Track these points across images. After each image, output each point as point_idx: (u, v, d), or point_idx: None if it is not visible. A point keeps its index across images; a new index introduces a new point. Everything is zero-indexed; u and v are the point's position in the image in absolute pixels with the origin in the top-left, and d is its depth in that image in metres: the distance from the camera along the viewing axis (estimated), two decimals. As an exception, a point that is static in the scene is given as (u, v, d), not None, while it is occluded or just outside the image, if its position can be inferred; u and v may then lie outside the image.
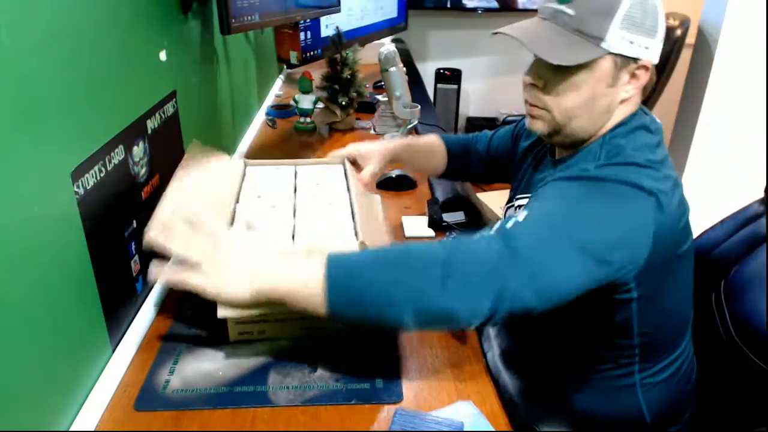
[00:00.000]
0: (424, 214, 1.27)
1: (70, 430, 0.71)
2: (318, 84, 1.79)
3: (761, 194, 1.04)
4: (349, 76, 1.74)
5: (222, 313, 0.77)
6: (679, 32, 2.27)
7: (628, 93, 0.83)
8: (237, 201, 0.98)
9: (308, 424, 0.74)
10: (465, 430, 0.70)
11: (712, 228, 1.07)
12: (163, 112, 1.03)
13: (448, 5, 3.36)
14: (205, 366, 0.82)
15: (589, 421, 0.94)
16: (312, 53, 2.15)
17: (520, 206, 1.00)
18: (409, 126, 1.71)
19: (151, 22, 0.98)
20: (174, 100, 1.08)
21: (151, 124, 0.97)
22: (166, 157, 1.04)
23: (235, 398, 0.77)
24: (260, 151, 1.66)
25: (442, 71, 3.51)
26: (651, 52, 0.82)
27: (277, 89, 2.28)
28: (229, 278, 0.73)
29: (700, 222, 0.98)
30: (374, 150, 1.15)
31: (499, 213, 1.21)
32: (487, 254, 0.71)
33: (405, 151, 1.21)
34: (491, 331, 1.07)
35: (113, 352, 0.83)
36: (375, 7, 2.58)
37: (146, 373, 0.81)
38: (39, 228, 0.64)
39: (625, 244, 0.75)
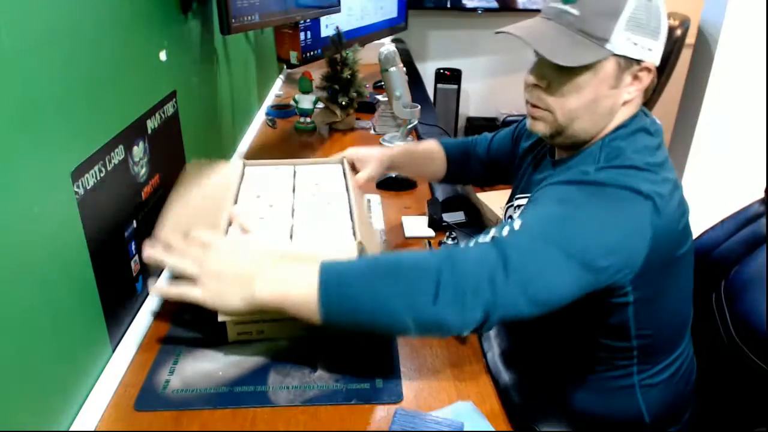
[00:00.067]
0: (424, 214, 1.27)
1: (70, 430, 0.71)
2: (318, 84, 1.79)
3: (761, 194, 1.04)
4: (349, 76, 1.74)
5: (222, 317, 0.81)
6: (679, 32, 2.27)
7: (630, 95, 0.83)
8: (235, 201, 0.98)
9: (308, 424, 0.74)
10: (465, 430, 0.70)
11: (712, 228, 1.07)
12: (163, 112, 1.03)
13: (448, 5, 3.36)
14: (205, 366, 0.82)
15: (588, 421, 0.94)
16: (312, 53, 2.15)
17: (519, 206, 1.00)
18: (409, 126, 1.70)
19: (151, 22, 0.98)
20: (174, 100, 1.08)
21: (151, 124, 0.97)
22: (166, 157, 1.04)
23: (235, 398, 0.77)
24: (260, 151, 1.66)
25: (442, 71, 3.51)
26: (654, 53, 0.81)
27: (277, 89, 2.28)
28: (226, 289, 0.75)
29: (700, 222, 0.98)
30: (373, 155, 1.16)
31: (499, 213, 1.21)
32: (480, 265, 0.71)
33: (404, 157, 1.21)
34: (491, 331, 1.07)
35: (113, 352, 0.83)
36: (375, 7, 2.58)
37: (146, 373, 0.81)
38: (39, 228, 0.64)
39: (622, 249, 0.75)
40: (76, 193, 0.71)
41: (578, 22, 0.79)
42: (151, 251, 0.79)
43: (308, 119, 1.83)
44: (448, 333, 0.74)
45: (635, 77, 0.82)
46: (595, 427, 0.94)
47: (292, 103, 1.89)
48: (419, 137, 1.77)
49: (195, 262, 0.76)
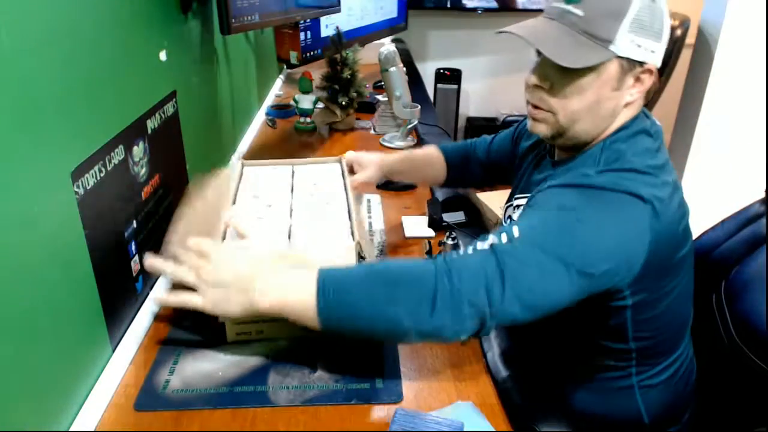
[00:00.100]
0: (424, 214, 1.27)
1: (70, 430, 0.71)
2: (318, 84, 1.79)
3: (762, 194, 1.04)
4: (349, 76, 1.74)
5: (223, 318, 0.82)
6: (679, 32, 2.27)
7: (632, 96, 0.83)
8: (234, 202, 0.98)
9: (308, 424, 0.74)
10: (465, 430, 0.70)
11: (712, 228, 1.07)
12: (163, 112, 1.03)
13: (448, 5, 3.35)
14: (205, 366, 0.82)
15: (588, 421, 0.94)
16: (312, 53, 2.15)
17: (518, 206, 0.99)
18: (409, 126, 1.70)
19: (151, 22, 0.98)
20: (174, 100, 1.08)
21: (151, 124, 0.97)
22: (166, 157, 1.04)
23: (235, 398, 0.77)
24: (260, 151, 1.66)
25: (442, 71, 3.51)
26: (656, 55, 0.81)
27: (277, 89, 2.28)
28: (225, 297, 0.76)
29: (700, 222, 0.98)
30: (372, 160, 1.16)
31: (499, 213, 1.21)
32: (477, 276, 0.72)
33: (403, 164, 1.21)
34: (491, 332, 1.07)
35: (113, 352, 0.83)
36: (375, 7, 2.58)
37: (146, 373, 0.81)
38: (39, 228, 0.64)
39: (620, 255, 0.75)
40: (76, 193, 0.71)
41: (582, 22, 0.78)
42: (152, 260, 0.80)
43: (308, 119, 1.83)
44: (445, 341, 0.75)
45: (637, 79, 0.82)
46: (594, 428, 0.94)
47: (292, 103, 1.89)
48: (419, 137, 1.77)
49: (193, 270, 0.77)
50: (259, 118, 1.93)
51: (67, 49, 0.71)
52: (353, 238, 0.86)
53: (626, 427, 0.93)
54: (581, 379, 0.93)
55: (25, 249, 0.62)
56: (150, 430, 0.73)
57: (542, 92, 0.84)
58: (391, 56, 1.60)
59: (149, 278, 0.96)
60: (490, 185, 1.32)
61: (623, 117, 0.85)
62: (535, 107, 0.86)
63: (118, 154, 0.83)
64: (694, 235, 0.89)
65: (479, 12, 3.34)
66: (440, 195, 1.38)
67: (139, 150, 0.91)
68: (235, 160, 1.53)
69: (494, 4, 3.32)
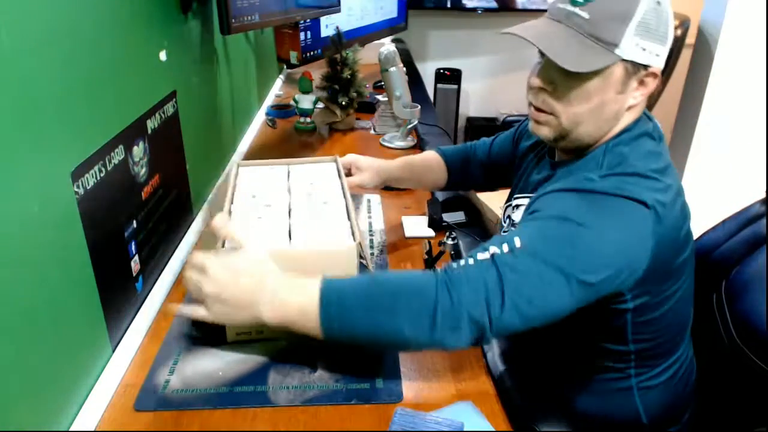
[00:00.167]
0: (424, 214, 1.26)
1: (70, 430, 0.71)
2: (318, 84, 1.79)
3: (762, 194, 1.04)
4: (349, 76, 1.74)
5: None
6: (679, 32, 2.27)
7: (635, 100, 0.82)
8: (232, 201, 0.98)
9: (308, 424, 0.74)
10: (465, 430, 0.70)
11: (713, 228, 1.07)
12: (163, 112, 1.03)
13: (448, 5, 3.36)
14: (205, 366, 0.82)
15: (587, 421, 0.94)
16: (312, 53, 2.15)
17: (518, 206, 0.99)
18: (409, 126, 1.70)
19: (151, 22, 0.98)
20: (174, 100, 1.08)
21: (151, 124, 0.97)
22: (166, 157, 1.04)
23: (235, 398, 0.77)
24: (260, 151, 1.66)
25: (442, 71, 3.51)
26: (660, 59, 0.80)
27: (277, 89, 2.28)
28: (230, 312, 0.77)
29: (700, 222, 0.98)
30: (371, 165, 1.16)
31: (499, 213, 1.21)
32: (477, 291, 0.72)
33: (402, 171, 1.21)
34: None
35: (113, 352, 0.83)
36: (375, 7, 2.57)
37: (146, 373, 0.81)
38: (39, 228, 0.64)
39: (622, 262, 0.75)
40: (76, 193, 0.71)
41: (588, 25, 0.78)
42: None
43: (308, 119, 1.83)
44: (445, 351, 0.78)
45: (641, 82, 0.81)
46: (593, 428, 0.94)
47: (292, 103, 1.89)
48: (419, 137, 1.77)
49: (194, 285, 0.78)
50: (259, 118, 1.93)
51: (68, 49, 0.71)
52: (354, 239, 0.86)
53: (625, 428, 0.93)
54: (580, 380, 0.93)
55: (25, 249, 0.62)
56: (150, 430, 0.73)
57: (545, 95, 0.84)
58: (391, 56, 1.60)
59: (149, 278, 0.96)
60: (492, 188, 1.32)
61: (626, 120, 0.84)
62: (538, 110, 0.86)
63: (118, 154, 0.83)
64: (695, 235, 0.89)
65: (479, 12, 3.34)
66: (440, 195, 1.38)
67: (139, 150, 0.91)
68: (237, 160, 1.53)
69: (494, 4, 3.32)
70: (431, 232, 1.21)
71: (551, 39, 0.79)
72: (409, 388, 0.79)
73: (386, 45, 1.68)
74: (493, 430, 0.72)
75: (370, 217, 1.28)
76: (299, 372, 0.82)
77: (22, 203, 0.61)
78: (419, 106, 1.68)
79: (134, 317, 0.90)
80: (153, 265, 0.98)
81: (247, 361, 0.83)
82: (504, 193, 1.15)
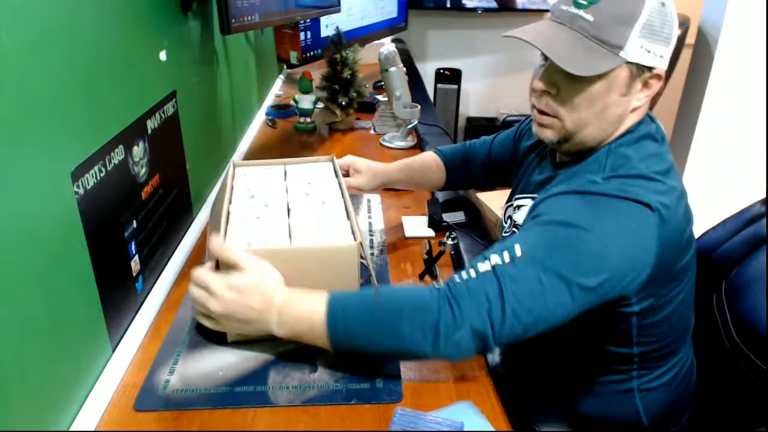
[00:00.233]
0: (424, 214, 1.26)
1: (70, 430, 0.71)
2: (318, 84, 1.79)
3: (762, 194, 1.04)
4: (349, 76, 1.74)
5: None
6: (679, 32, 2.27)
7: (639, 101, 0.82)
8: (230, 201, 0.98)
9: (308, 424, 0.74)
10: (465, 430, 0.70)
11: (713, 228, 1.07)
12: (163, 112, 1.03)
13: (448, 5, 3.36)
14: (205, 366, 0.82)
15: (587, 422, 0.94)
16: (312, 53, 2.15)
17: (519, 206, 0.99)
18: (409, 126, 1.70)
19: (151, 22, 0.98)
20: (174, 100, 1.08)
21: (151, 124, 0.97)
22: (166, 157, 1.04)
23: (235, 398, 0.77)
24: (260, 151, 1.66)
25: (442, 71, 3.51)
26: (664, 60, 0.80)
27: (277, 89, 2.28)
28: (242, 328, 0.82)
29: (700, 222, 0.98)
30: (369, 167, 1.16)
31: (499, 213, 1.21)
32: (479, 306, 0.73)
33: (400, 174, 1.22)
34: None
35: (113, 352, 0.83)
36: (375, 7, 2.58)
37: (146, 373, 0.81)
38: (39, 228, 0.64)
39: (627, 267, 0.75)
40: (76, 193, 0.71)
41: (592, 28, 0.77)
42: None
43: (308, 119, 1.83)
44: (449, 361, 0.81)
45: (645, 84, 0.81)
46: (593, 429, 0.94)
47: (292, 103, 1.89)
48: (419, 137, 1.77)
49: (200, 303, 0.81)
50: (259, 118, 1.93)
51: (67, 49, 0.70)
52: (355, 239, 0.86)
53: (625, 429, 0.92)
54: (582, 382, 0.93)
55: (25, 249, 0.62)
56: (150, 430, 0.73)
57: (549, 98, 0.83)
58: (391, 56, 1.60)
59: (149, 278, 0.96)
60: (491, 187, 1.32)
61: (629, 121, 0.84)
62: (541, 112, 0.85)
63: (118, 154, 0.83)
64: (695, 235, 0.89)
65: (479, 12, 3.34)
66: (440, 195, 1.38)
67: (139, 150, 0.91)
68: (235, 160, 1.53)
69: (494, 4, 3.32)
70: (431, 232, 1.21)
71: (556, 43, 0.78)
72: (409, 388, 0.79)
73: (386, 45, 1.68)
74: (493, 430, 0.72)
75: (370, 217, 1.28)
76: (299, 372, 0.81)
77: (22, 203, 0.61)
78: (419, 106, 1.68)
79: (134, 317, 0.90)
80: (153, 265, 0.98)
81: (247, 361, 0.83)
82: (504, 193, 1.15)
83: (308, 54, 2.13)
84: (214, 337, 0.87)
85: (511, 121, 3.38)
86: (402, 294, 0.79)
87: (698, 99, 2.29)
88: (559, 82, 0.81)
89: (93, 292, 0.77)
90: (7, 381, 0.59)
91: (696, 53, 2.34)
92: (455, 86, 3.52)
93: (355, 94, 1.78)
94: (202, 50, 1.28)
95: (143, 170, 0.93)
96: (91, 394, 0.76)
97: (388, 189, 1.40)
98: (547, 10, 3.28)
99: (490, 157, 1.20)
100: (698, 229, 0.97)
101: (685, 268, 0.84)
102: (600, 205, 0.76)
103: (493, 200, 1.35)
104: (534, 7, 3.29)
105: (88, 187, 0.74)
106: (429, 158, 1.25)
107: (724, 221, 1.06)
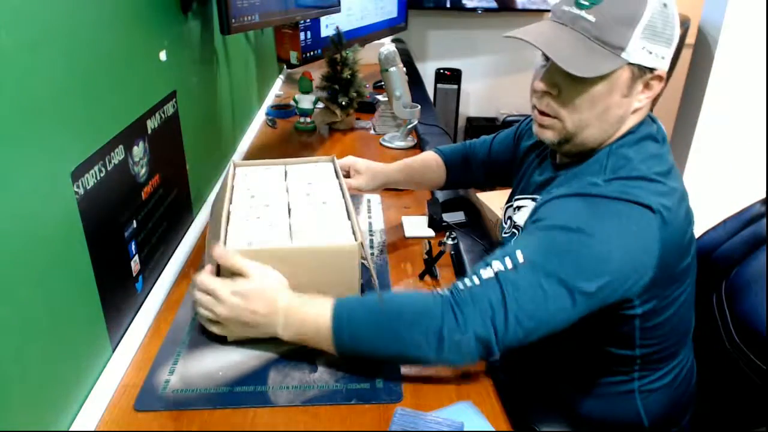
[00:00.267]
0: (424, 214, 1.26)
1: (70, 430, 0.71)
2: (318, 84, 1.79)
3: (762, 194, 1.04)
4: (349, 76, 1.74)
5: None
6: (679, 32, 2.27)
7: (640, 102, 0.82)
8: (230, 202, 0.97)
9: (308, 424, 0.74)
10: (465, 430, 0.70)
11: (713, 228, 1.07)
12: (163, 112, 1.03)
13: (448, 5, 3.36)
14: (205, 366, 0.82)
15: (587, 423, 0.94)
16: (312, 53, 2.15)
17: (519, 207, 0.99)
18: (409, 126, 1.70)
19: (151, 22, 0.98)
20: (174, 100, 1.08)
21: (151, 124, 0.97)
22: (166, 157, 1.04)
23: (235, 398, 0.77)
24: (260, 151, 1.66)
25: (442, 71, 3.51)
26: (666, 61, 0.80)
27: (277, 89, 2.28)
28: (248, 332, 0.83)
29: (700, 223, 0.98)
30: (369, 168, 1.16)
31: (499, 213, 1.21)
32: (483, 310, 0.73)
33: (400, 174, 1.22)
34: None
35: (113, 352, 0.83)
36: (375, 7, 2.58)
37: (146, 373, 0.81)
38: (39, 228, 0.64)
39: (629, 270, 0.75)
40: (76, 193, 0.71)
41: (594, 29, 0.77)
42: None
43: (308, 119, 1.83)
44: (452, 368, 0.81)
45: (646, 85, 0.81)
46: (593, 429, 0.94)
47: (292, 103, 1.89)
48: (419, 137, 1.77)
49: (205, 308, 0.82)
50: (259, 118, 1.93)
51: (67, 49, 0.70)
52: (356, 239, 0.86)
53: (625, 429, 0.92)
54: (582, 383, 0.93)
55: (25, 249, 0.62)
56: (150, 430, 0.73)
57: (550, 98, 0.83)
58: (391, 56, 1.60)
59: (149, 278, 0.96)
60: (491, 186, 1.32)
61: (630, 122, 0.84)
62: (542, 113, 0.85)
63: (118, 154, 0.83)
64: (695, 235, 0.89)
65: (479, 12, 3.34)
66: (440, 195, 1.38)
67: (139, 150, 0.91)
68: (234, 160, 1.53)
69: (494, 4, 3.32)
70: (431, 232, 1.21)
71: (557, 43, 0.78)
72: (409, 388, 0.79)
73: (386, 45, 1.68)
74: (493, 430, 0.72)
75: (370, 217, 1.28)
76: (299, 372, 0.81)
77: (22, 203, 0.61)
78: (419, 106, 1.68)
79: (134, 317, 0.90)
80: (153, 265, 0.98)
81: (247, 361, 0.83)
82: (504, 193, 1.15)
83: (308, 54, 2.13)
84: (214, 338, 0.87)
85: (511, 121, 3.38)
86: (406, 300, 0.79)
87: (698, 99, 2.29)
88: (561, 83, 0.81)
89: (93, 292, 0.76)
90: (7, 381, 0.59)
91: (696, 53, 2.35)
92: (455, 86, 3.52)
93: (355, 94, 1.78)
94: (202, 50, 1.28)
95: (143, 170, 0.93)
96: (91, 394, 0.76)
97: (388, 189, 1.39)
98: (548, 10, 3.29)
99: (490, 156, 1.20)
100: (698, 229, 0.97)
101: (686, 269, 0.84)
102: (601, 208, 0.76)
103: (493, 200, 1.35)
104: (534, 7, 3.29)
105: (88, 187, 0.74)
106: (429, 158, 1.25)
107: (724, 221, 1.06)
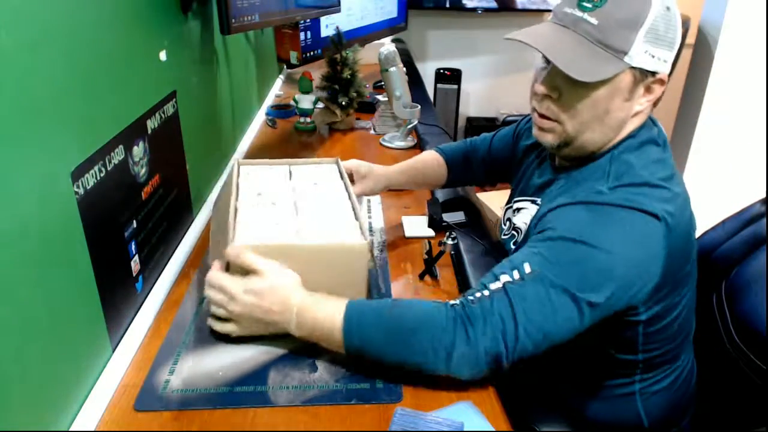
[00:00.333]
0: (424, 214, 1.26)
1: (70, 430, 0.71)
2: (318, 84, 1.79)
3: (762, 194, 1.04)
4: (349, 76, 1.74)
5: None
6: (679, 32, 2.27)
7: (642, 106, 0.81)
8: (237, 199, 0.97)
9: (308, 424, 0.73)
10: (465, 430, 0.70)
11: (713, 228, 1.07)
12: (163, 112, 1.03)
13: (448, 5, 3.36)
14: (205, 366, 0.82)
15: (587, 423, 0.94)
16: (312, 53, 2.15)
17: (518, 209, 0.99)
18: (409, 126, 1.70)
19: (151, 22, 0.98)
20: (174, 100, 1.08)
21: (151, 124, 0.97)
22: (166, 157, 1.04)
23: (235, 398, 0.77)
24: (260, 151, 1.66)
25: (442, 71, 3.52)
26: (668, 65, 0.80)
27: (277, 89, 2.28)
28: (260, 329, 0.83)
29: (700, 222, 0.98)
30: (371, 172, 1.16)
31: (499, 213, 1.21)
32: (493, 325, 0.73)
33: (402, 176, 1.22)
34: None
35: (113, 352, 0.83)
36: (375, 7, 2.58)
37: (146, 373, 0.81)
38: (39, 228, 0.64)
39: (635, 279, 0.75)
40: (76, 193, 0.71)
41: (597, 32, 0.76)
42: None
43: (308, 119, 1.83)
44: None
45: (648, 89, 0.80)
46: (593, 430, 0.93)
47: (292, 103, 1.89)
48: (419, 137, 1.77)
49: (218, 305, 0.82)
50: (259, 118, 1.93)
51: (67, 48, 0.70)
52: (365, 238, 0.86)
53: (625, 431, 0.92)
54: (583, 385, 0.93)
55: (25, 249, 0.62)
56: (150, 430, 0.73)
57: (550, 101, 0.82)
58: (391, 56, 1.60)
59: (149, 278, 0.96)
60: (492, 184, 1.32)
61: (631, 126, 0.83)
62: (542, 116, 0.84)
63: (118, 154, 0.83)
64: (696, 235, 0.89)
65: (479, 12, 3.34)
66: (440, 195, 1.38)
67: (139, 150, 0.91)
68: (238, 158, 1.53)
69: (494, 4, 3.32)
70: (431, 232, 1.21)
71: (559, 47, 0.77)
72: (409, 388, 0.79)
73: (386, 45, 1.68)
74: (493, 430, 0.72)
75: (370, 217, 1.28)
76: (299, 372, 0.81)
77: (22, 203, 0.61)
78: (419, 106, 1.68)
79: (134, 317, 0.90)
80: (153, 265, 0.98)
81: (247, 361, 0.83)
82: (504, 193, 1.15)
83: (308, 54, 2.13)
84: (218, 335, 0.87)
85: (511, 121, 3.37)
86: (417, 310, 0.78)
87: (698, 99, 2.29)
88: (561, 87, 0.80)
89: (93, 292, 0.76)
90: (7, 381, 0.59)
91: (696, 53, 2.34)
92: (455, 86, 3.52)
93: (355, 94, 1.78)
94: (202, 50, 1.28)
95: (143, 170, 0.93)
96: (91, 394, 0.76)
97: (389, 189, 1.40)
98: (548, 11, 3.28)
99: (490, 154, 1.20)
100: (698, 229, 0.97)
101: (688, 273, 0.84)
102: (606, 217, 0.76)
103: (493, 200, 1.35)
104: (534, 7, 3.29)
105: (88, 187, 0.74)
106: (431, 158, 1.25)
107: (724, 221, 1.06)
